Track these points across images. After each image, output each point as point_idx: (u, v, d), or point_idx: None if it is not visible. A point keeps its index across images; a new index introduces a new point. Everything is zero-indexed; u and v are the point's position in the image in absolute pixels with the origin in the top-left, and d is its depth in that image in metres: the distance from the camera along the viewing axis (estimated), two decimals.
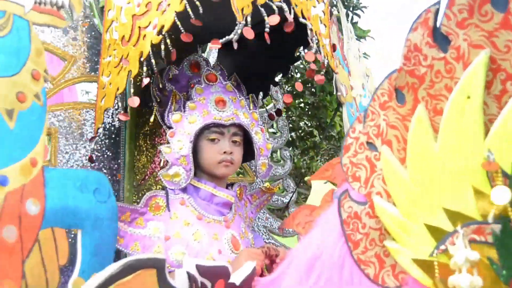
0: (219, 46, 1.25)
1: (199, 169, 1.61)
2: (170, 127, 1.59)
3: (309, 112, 5.52)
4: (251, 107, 1.72)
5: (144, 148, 1.86)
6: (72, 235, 0.97)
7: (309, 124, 5.80)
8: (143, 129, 1.87)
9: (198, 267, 0.95)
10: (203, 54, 1.91)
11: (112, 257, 1.01)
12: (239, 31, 1.20)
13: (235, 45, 1.21)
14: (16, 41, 0.82)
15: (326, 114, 5.29)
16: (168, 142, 1.57)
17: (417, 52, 0.75)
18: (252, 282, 1.11)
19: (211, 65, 1.78)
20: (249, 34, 1.20)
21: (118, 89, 1.37)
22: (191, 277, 0.93)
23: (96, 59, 1.74)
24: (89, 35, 1.69)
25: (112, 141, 1.74)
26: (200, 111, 1.58)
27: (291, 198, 2.02)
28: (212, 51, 2.10)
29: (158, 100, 1.65)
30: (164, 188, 1.56)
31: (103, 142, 1.69)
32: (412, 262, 0.81)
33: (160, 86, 1.59)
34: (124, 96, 1.48)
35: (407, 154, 0.79)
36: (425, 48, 0.75)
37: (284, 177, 2.12)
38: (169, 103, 1.64)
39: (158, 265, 0.85)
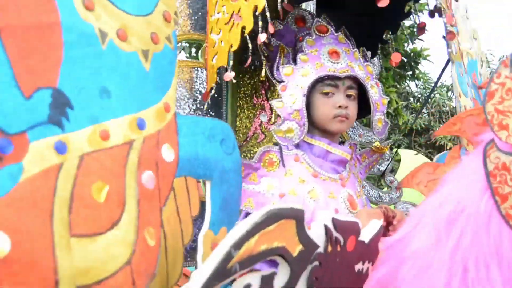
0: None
1: (311, 125, 1.59)
2: (280, 81, 1.57)
3: None
4: (364, 61, 1.65)
5: (245, 109, 1.87)
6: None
7: None
8: (244, 89, 1.86)
9: (334, 221, 0.93)
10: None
11: (238, 212, 1.00)
12: None
13: None
14: None
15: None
16: (279, 96, 1.55)
17: None
18: (379, 241, 1.06)
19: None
20: None
21: (231, 46, 1.35)
22: (327, 231, 0.91)
23: (197, 17, 1.73)
24: None
25: (214, 101, 1.74)
26: (313, 64, 1.55)
27: (387, 166, 1.96)
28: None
29: (266, 55, 1.63)
30: (277, 143, 1.54)
31: (205, 102, 1.70)
32: None
33: (266, 40, 1.55)
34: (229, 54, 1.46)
35: None
36: None
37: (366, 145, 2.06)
38: (277, 58, 1.63)
39: (297, 216, 0.84)
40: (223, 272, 0.70)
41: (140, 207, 0.77)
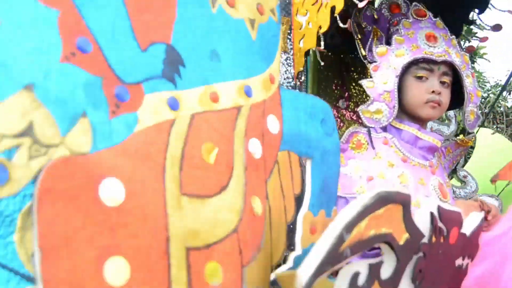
0: None
1: (400, 110, 1.49)
2: (371, 62, 1.49)
3: None
4: (460, 49, 1.55)
5: (324, 94, 1.80)
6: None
7: None
8: (324, 74, 1.79)
9: (440, 209, 0.84)
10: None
11: (336, 195, 0.93)
12: None
13: None
14: None
15: None
16: (370, 76, 1.47)
17: None
18: (479, 234, 0.96)
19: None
20: None
21: (320, 27, 1.29)
22: (433, 219, 0.82)
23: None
24: None
25: (293, 85, 1.68)
26: (409, 45, 1.47)
27: (458, 161, 1.82)
28: None
29: (359, 37, 1.56)
30: (365, 125, 1.46)
31: (283, 86, 1.64)
32: None
33: (360, 23, 1.50)
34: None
35: None
36: None
37: (449, 138, 1.93)
38: (370, 39, 1.55)
39: (405, 202, 0.76)
40: (335, 256, 0.65)
41: (247, 175, 0.72)
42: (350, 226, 0.66)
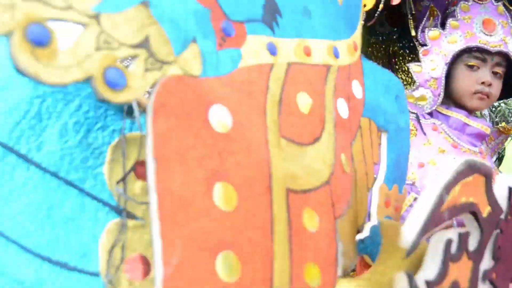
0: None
1: (446, 97, 1.41)
2: (423, 44, 1.41)
3: None
4: None
5: None
6: None
7: None
8: (372, 62, 1.73)
9: None
10: None
11: (406, 174, 0.88)
12: None
13: None
14: None
15: None
16: (419, 60, 1.40)
17: None
18: None
19: None
20: None
21: (364, 5, 1.24)
22: (511, 194, 0.77)
23: None
24: None
25: None
26: (463, 31, 1.38)
27: (500, 149, 1.74)
28: None
29: (413, 12, 1.48)
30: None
31: None
32: None
33: None
34: None
35: None
36: None
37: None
38: (425, 18, 1.46)
39: (487, 174, 0.71)
40: (437, 215, 0.61)
41: (336, 132, 0.68)
42: (448, 187, 0.63)
